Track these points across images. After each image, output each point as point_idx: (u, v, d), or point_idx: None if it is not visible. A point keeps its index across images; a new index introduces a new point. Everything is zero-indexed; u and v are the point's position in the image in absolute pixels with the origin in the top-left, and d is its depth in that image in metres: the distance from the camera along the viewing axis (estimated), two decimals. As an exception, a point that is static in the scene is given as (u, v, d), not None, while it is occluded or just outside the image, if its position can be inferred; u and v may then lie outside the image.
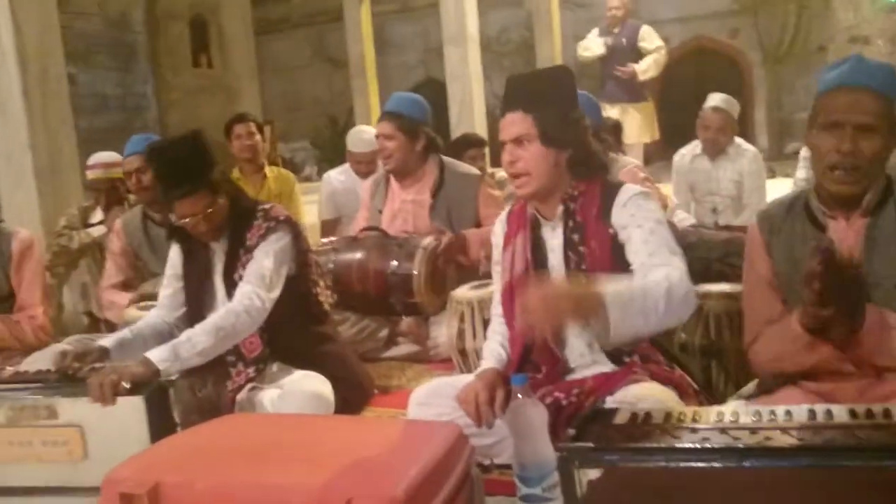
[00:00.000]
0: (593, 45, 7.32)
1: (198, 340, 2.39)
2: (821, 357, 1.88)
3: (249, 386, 2.65)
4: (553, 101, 2.16)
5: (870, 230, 1.88)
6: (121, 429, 2.03)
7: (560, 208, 2.19)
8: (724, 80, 11.46)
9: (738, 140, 4.91)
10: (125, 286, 3.74)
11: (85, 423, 2.06)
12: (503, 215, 2.39)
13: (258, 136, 5.01)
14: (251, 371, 2.65)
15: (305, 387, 2.56)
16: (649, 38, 7.23)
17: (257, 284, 2.55)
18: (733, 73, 12.89)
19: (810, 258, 1.69)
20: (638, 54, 7.19)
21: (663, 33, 13.20)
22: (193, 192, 2.54)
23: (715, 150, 4.85)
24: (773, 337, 1.98)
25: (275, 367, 2.72)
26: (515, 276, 2.24)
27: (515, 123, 2.14)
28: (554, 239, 2.21)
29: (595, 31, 7.46)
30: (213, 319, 2.47)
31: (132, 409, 2.05)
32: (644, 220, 2.06)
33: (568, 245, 2.17)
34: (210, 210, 2.57)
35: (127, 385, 2.11)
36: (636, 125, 7.28)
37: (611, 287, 1.77)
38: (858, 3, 2.58)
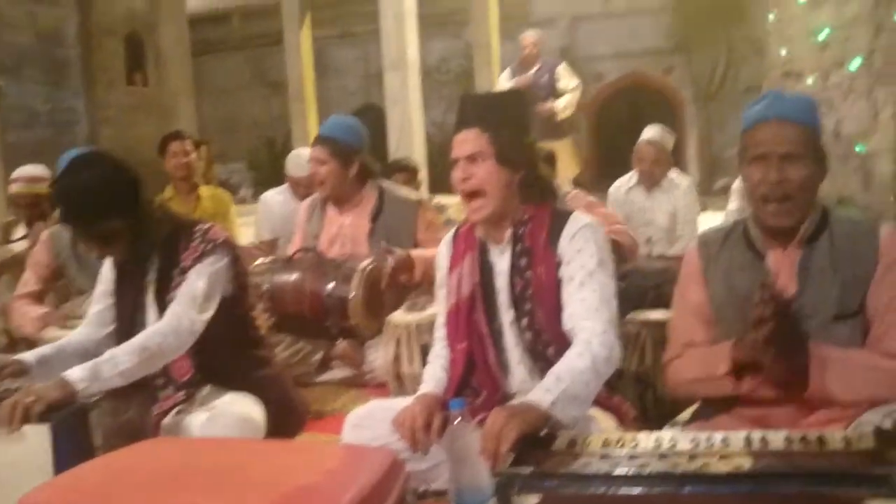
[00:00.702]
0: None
1: (120, 360, 2.29)
2: (747, 389, 1.91)
3: (177, 409, 2.55)
4: (508, 121, 2.20)
5: (804, 261, 1.91)
6: (23, 458, 1.93)
7: (509, 232, 2.18)
8: (657, 116, 11.65)
9: (673, 172, 5.01)
10: (39, 298, 3.58)
11: (-15, 452, 1.95)
12: (448, 237, 2.38)
13: (193, 155, 4.91)
14: (180, 395, 2.55)
15: (235, 409, 2.47)
16: (566, 76, 7.30)
17: (188, 305, 2.47)
18: (666, 109, 13.23)
19: (756, 304, 1.74)
20: (556, 91, 7.27)
21: (599, 68, 13.64)
22: (97, 228, 2.42)
23: (650, 182, 4.94)
24: (697, 360, 2.01)
25: (206, 390, 2.63)
26: (462, 299, 2.22)
27: (470, 140, 2.14)
28: (501, 263, 2.20)
29: (507, 72, 7.52)
30: (138, 339, 2.37)
31: (37, 437, 1.94)
32: (586, 260, 2.08)
33: (515, 270, 2.17)
34: (117, 244, 2.48)
35: (41, 408, 2.00)
36: (559, 162, 7.42)
37: (546, 398, 1.80)
38: (791, 40, 2.67)
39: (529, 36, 7.42)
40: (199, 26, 12.86)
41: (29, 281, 3.65)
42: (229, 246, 2.61)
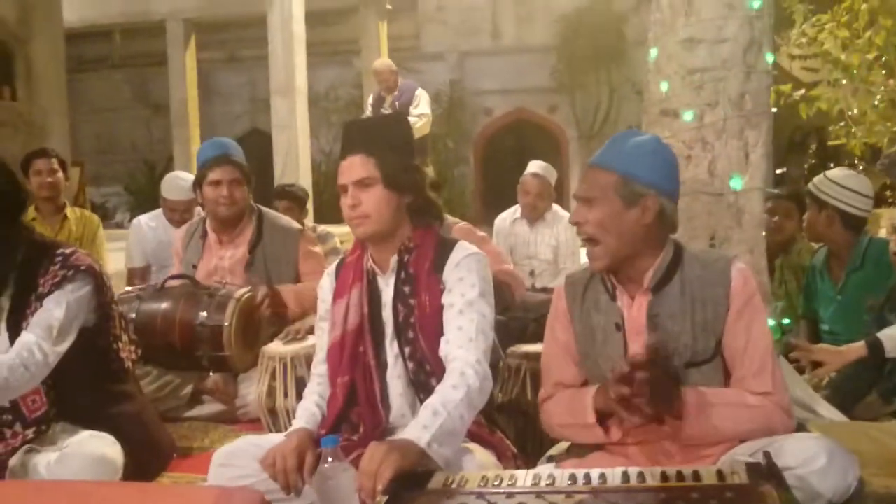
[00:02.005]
0: None
1: None
2: (616, 438, 1.93)
3: (25, 448, 2.35)
4: (393, 145, 2.15)
5: (654, 307, 1.92)
6: None
7: (394, 259, 2.14)
8: (542, 151, 12.06)
9: (556, 207, 5.11)
10: None
11: None
12: (332, 269, 2.31)
13: (60, 174, 4.65)
14: (30, 433, 2.36)
15: (88, 449, 2.29)
16: (420, 103, 7.13)
17: (42, 336, 2.28)
18: (551, 145, 13.62)
19: (616, 371, 1.77)
20: (411, 114, 7.08)
21: (487, 103, 13.89)
22: None
23: (534, 215, 5.01)
24: (565, 405, 2.03)
25: (59, 427, 2.43)
26: (348, 331, 2.16)
27: (357, 166, 2.10)
28: (387, 292, 2.16)
29: (370, 97, 7.48)
30: None
31: None
32: (467, 289, 2.07)
33: (398, 297, 2.13)
34: None
35: None
36: None
37: (423, 436, 1.77)
38: (669, 78, 2.74)
39: (383, 63, 7.39)
40: (77, 41, 12.35)
41: None
42: (92, 273, 2.44)
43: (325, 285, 2.29)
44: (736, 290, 1.90)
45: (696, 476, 1.54)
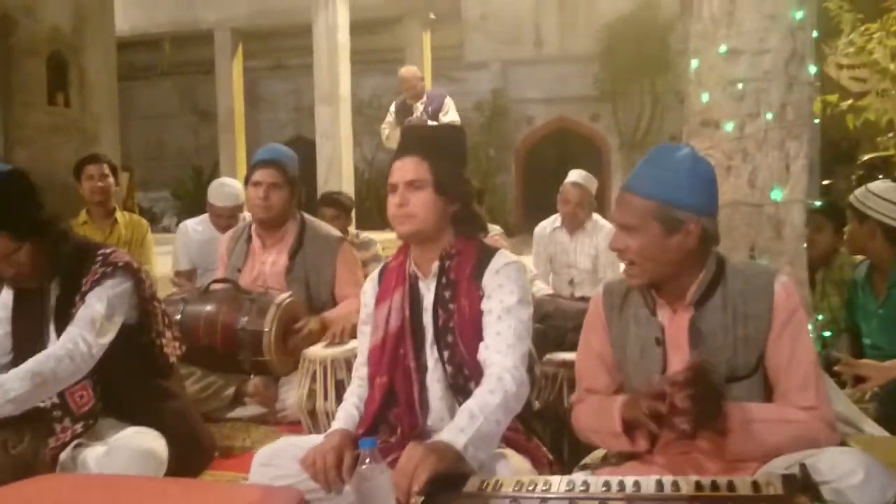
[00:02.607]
0: (394, 139, 7.01)
1: (10, 386, 2.17)
2: (641, 449, 1.91)
3: (75, 443, 2.43)
4: (448, 154, 2.20)
5: (695, 322, 1.90)
6: None
7: (436, 265, 2.17)
8: (584, 160, 11.99)
9: (596, 216, 5.09)
10: None
11: None
12: (375, 274, 2.34)
13: (111, 179, 4.77)
14: (79, 427, 2.43)
15: (135, 444, 2.36)
16: (449, 111, 7.02)
17: (85, 329, 2.36)
18: (593, 154, 13.56)
19: (658, 382, 1.76)
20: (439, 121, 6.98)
21: (529, 112, 13.89)
22: None
23: (574, 225, 5.00)
24: (593, 410, 2.02)
25: (106, 422, 2.51)
26: (390, 333, 2.20)
27: (411, 167, 2.15)
28: (428, 297, 2.19)
29: (392, 107, 7.23)
30: (29, 364, 2.25)
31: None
32: (506, 296, 2.09)
33: (438, 301, 2.16)
34: (11, 256, 2.38)
35: None
36: None
37: (460, 439, 1.82)
38: (710, 89, 2.74)
39: (409, 71, 7.24)
40: (128, 50, 12.62)
41: None
42: (131, 270, 2.52)
43: (368, 290, 2.33)
44: (779, 304, 1.87)
45: (731, 486, 1.54)
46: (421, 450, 1.73)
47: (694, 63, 2.80)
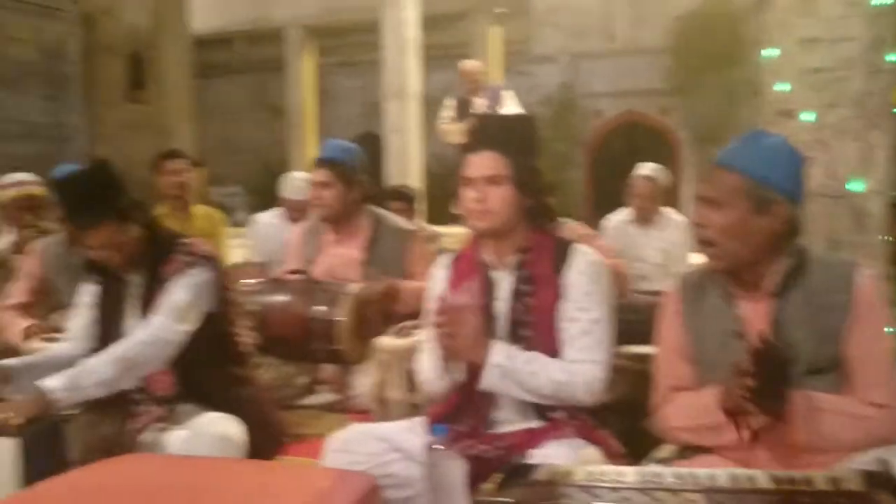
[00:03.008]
0: (453, 133, 6.99)
1: (98, 370, 2.26)
2: (746, 437, 1.86)
3: (156, 426, 2.51)
4: (524, 147, 2.20)
5: (775, 313, 1.87)
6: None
7: (512, 258, 2.18)
8: (654, 154, 11.77)
9: (667, 209, 5.02)
10: (25, 310, 3.54)
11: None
12: (445, 261, 2.36)
13: (188, 174, 4.90)
14: (159, 410, 2.52)
15: (215, 428, 2.43)
16: (511, 103, 6.98)
17: (168, 315, 2.45)
18: (663, 148, 13.34)
19: (745, 355, 1.72)
20: None
21: (598, 106, 13.74)
22: (99, 222, 2.45)
23: (643, 218, 4.94)
24: (686, 407, 1.98)
25: (186, 407, 2.59)
26: None
27: (489, 162, 2.14)
28: (503, 289, 2.20)
29: (448, 100, 7.18)
30: (116, 348, 2.35)
31: (6, 450, 1.91)
32: (593, 306, 2.11)
33: (516, 295, 2.16)
34: (119, 242, 2.48)
35: (20, 422, 1.97)
36: None
37: (508, 354, 2.01)
38: (787, 79, 2.68)
39: (472, 64, 7.19)
40: (203, 48, 12.92)
41: (17, 292, 3.62)
42: (212, 260, 2.60)
43: (438, 277, 2.34)
44: (860, 297, 1.83)
45: (808, 481, 1.51)
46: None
47: (769, 53, 2.74)
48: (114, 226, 2.47)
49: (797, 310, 1.86)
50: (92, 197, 2.47)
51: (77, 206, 2.48)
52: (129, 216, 2.51)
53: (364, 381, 3.29)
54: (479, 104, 6.82)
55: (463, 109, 6.95)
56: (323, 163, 3.62)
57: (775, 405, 1.75)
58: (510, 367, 2.02)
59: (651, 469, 1.64)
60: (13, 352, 3.46)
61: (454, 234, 6.76)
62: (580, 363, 2.05)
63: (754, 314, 1.89)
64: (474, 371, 2.17)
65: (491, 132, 2.22)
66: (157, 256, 2.57)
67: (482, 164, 2.15)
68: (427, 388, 2.27)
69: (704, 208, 1.87)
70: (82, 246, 2.53)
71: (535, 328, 2.12)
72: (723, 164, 1.88)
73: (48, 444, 2.00)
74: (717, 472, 1.57)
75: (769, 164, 1.84)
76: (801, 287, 1.87)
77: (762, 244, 1.85)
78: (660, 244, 4.91)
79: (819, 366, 1.84)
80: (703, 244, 1.89)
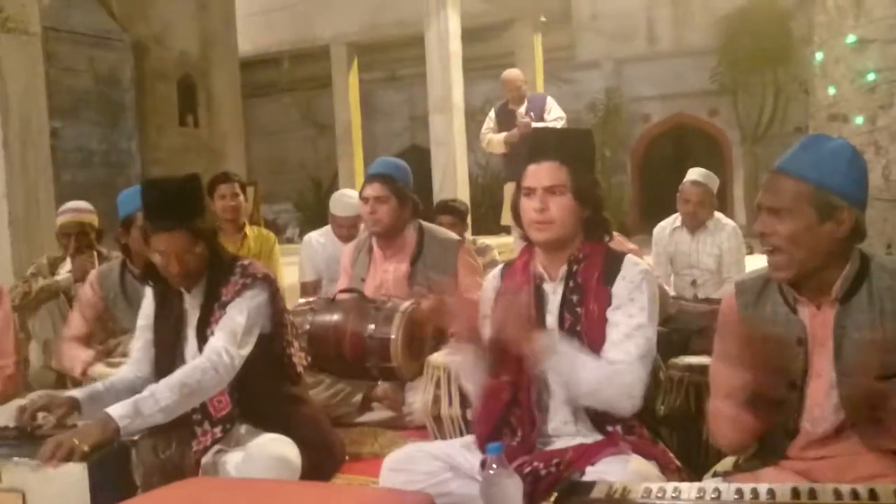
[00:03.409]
0: (495, 143, 6.86)
1: (161, 396, 2.31)
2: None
3: (216, 449, 2.56)
4: (583, 158, 2.23)
5: (840, 319, 1.83)
6: (62, 496, 1.95)
7: (563, 268, 2.19)
8: (703, 157, 11.68)
9: (718, 214, 4.96)
10: (86, 341, 3.63)
11: (27, 489, 1.97)
12: (497, 271, 2.38)
13: (241, 197, 5.00)
14: (217, 431, 2.56)
15: (271, 450, 2.47)
16: (552, 108, 6.80)
17: (228, 341, 2.49)
18: (713, 150, 13.17)
19: None
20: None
21: (644, 110, 13.63)
22: (174, 228, 2.51)
23: (695, 224, 4.89)
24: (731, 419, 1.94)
25: (243, 428, 2.64)
26: None
27: (550, 172, 2.16)
28: (554, 300, 2.21)
29: (491, 113, 7.04)
30: (178, 375, 2.40)
31: (75, 475, 1.96)
32: (637, 312, 2.11)
33: (566, 305, 2.17)
34: (186, 253, 2.53)
35: (86, 448, 2.03)
36: None
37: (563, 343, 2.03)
38: (837, 82, 2.63)
39: (514, 73, 7.05)
40: (250, 69, 13.17)
41: (76, 323, 3.69)
42: (268, 281, 2.64)
43: (489, 287, 2.35)
44: None
45: (873, 494, 1.48)
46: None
47: (819, 56, 2.70)
48: (187, 237, 2.52)
49: (864, 316, 1.81)
50: (177, 201, 2.54)
51: (161, 206, 2.54)
52: (201, 233, 2.57)
53: (418, 398, 3.31)
54: (521, 113, 6.72)
55: (504, 119, 6.87)
56: (376, 178, 3.67)
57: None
58: (559, 350, 2.03)
59: (710, 485, 1.62)
60: (76, 382, 3.57)
61: (502, 244, 6.76)
62: (620, 364, 2.04)
63: (818, 321, 1.86)
64: (522, 380, 2.17)
65: (551, 143, 2.24)
66: (216, 277, 2.62)
67: (543, 174, 2.16)
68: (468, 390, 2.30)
69: (768, 217, 1.84)
70: (149, 250, 2.58)
71: (585, 338, 2.12)
72: (784, 171, 1.84)
73: (114, 469, 2.05)
74: (778, 486, 1.54)
75: (831, 169, 1.81)
76: (867, 292, 1.83)
77: (828, 251, 1.81)
78: (712, 250, 4.85)
79: (887, 373, 1.79)
80: (770, 253, 1.85)
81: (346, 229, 4.81)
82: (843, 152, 1.85)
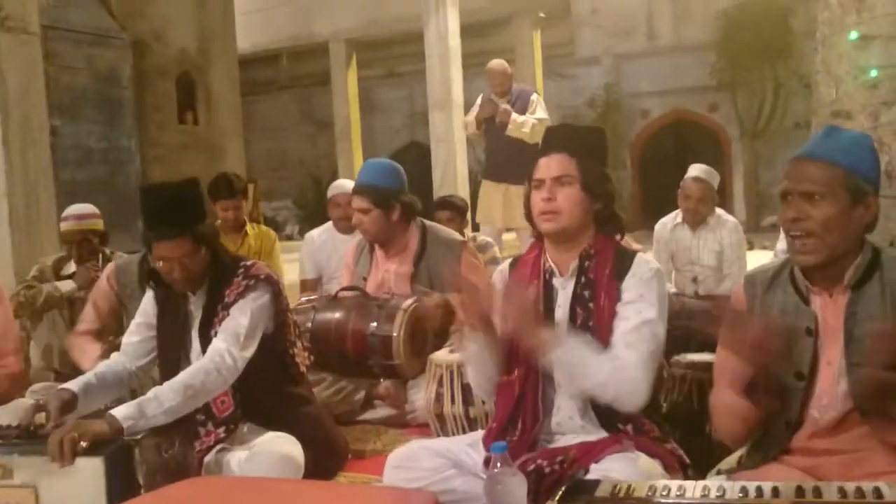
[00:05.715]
0: (468, 123, 6.72)
1: (165, 398, 2.32)
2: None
3: (218, 447, 2.57)
4: (593, 152, 2.25)
5: (851, 307, 1.84)
6: (77, 491, 1.95)
7: (574, 263, 2.19)
8: (702, 152, 11.68)
9: (719, 211, 4.95)
10: (98, 335, 3.62)
11: (40, 484, 1.98)
12: (505, 266, 2.38)
13: (242, 204, 4.95)
14: (221, 431, 2.57)
15: (274, 449, 2.47)
16: (537, 108, 6.57)
17: (231, 342, 2.49)
18: (712, 146, 13.15)
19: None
20: None
21: (644, 105, 13.61)
22: (175, 236, 2.51)
23: (695, 220, 4.88)
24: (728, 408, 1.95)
25: (246, 427, 2.65)
26: None
27: (559, 163, 2.18)
28: (564, 294, 2.21)
29: (479, 99, 6.83)
30: (181, 377, 2.40)
31: (90, 470, 1.97)
32: (646, 308, 2.11)
33: (576, 300, 2.18)
34: (187, 258, 2.53)
35: (85, 444, 2.04)
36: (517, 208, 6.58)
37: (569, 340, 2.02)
38: (840, 79, 2.63)
39: (498, 64, 6.97)
40: (249, 66, 13.15)
41: (89, 318, 3.66)
42: (271, 282, 2.64)
43: (497, 281, 2.34)
44: None
45: (878, 493, 1.48)
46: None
47: (821, 52, 2.69)
48: (188, 243, 2.53)
49: (875, 305, 1.83)
50: (176, 208, 2.54)
51: (161, 214, 2.54)
52: (203, 238, 2.57)
53: (421, 396, 3.31)
54: (501, 101, 6.54)
55: (487, 107, 6.70)
56: (357, 191, 3.64)
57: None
58: (567, 344, 2.03)
59: (714, 483, 1.62)
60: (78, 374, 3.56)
61: (504, 241, 6.75)
62: (627, 358, 2.05)
63: (829, 310, 1.87)
64: (528, 376, 2.17)
65: (561, 137, 2.26)
66: (219, 279, 2.62)
67: (551, 165, 2.18)
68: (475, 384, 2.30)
69: (801, 202, 1.83)
70: (153, 258, 2.59)
71: (597, 333, 2.12)
72: (814, 156, 1.85)
73: (122, 465, 2.06)
74: (783, 485, 1.54)
75: (859, 155, 1.84)
76: (878, 282, 1.84)
77: (854, 236, 1.84)
78: (713, 246, 4.84)
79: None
80: (801, 238, 1.84)
81: (343, 208, 4.66)
82: (864, 141, 1.90)
